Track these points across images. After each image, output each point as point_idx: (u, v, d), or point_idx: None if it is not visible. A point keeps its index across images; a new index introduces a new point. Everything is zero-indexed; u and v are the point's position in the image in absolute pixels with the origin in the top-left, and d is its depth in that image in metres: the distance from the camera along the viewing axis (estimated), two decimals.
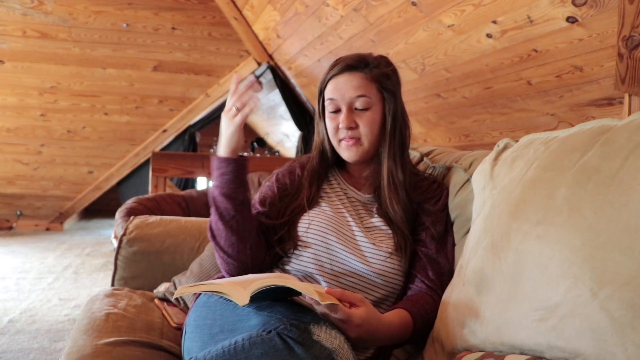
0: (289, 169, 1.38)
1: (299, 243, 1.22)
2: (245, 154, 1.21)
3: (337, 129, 1.26)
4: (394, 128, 1.27)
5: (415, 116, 3.27)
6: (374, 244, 1.20)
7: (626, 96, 1.35)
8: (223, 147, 1.18)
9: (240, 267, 1.19)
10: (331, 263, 1.18)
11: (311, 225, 1.22)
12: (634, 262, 0.73)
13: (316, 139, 1.37)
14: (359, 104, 1.23)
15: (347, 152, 1.27)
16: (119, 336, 1.21)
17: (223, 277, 1.25)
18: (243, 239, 1.18)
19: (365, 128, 1.24)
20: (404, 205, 1.24)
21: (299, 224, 1.24)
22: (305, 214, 1.26)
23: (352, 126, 1.24)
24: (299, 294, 0.93)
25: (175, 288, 1.55)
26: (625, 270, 0.73)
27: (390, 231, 1.23)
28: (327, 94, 1.27)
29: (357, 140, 1.25)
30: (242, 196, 1.18)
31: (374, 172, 1.32)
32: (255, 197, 1.34)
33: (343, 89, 1.24)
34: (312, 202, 1.29)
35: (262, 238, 1.24)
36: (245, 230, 1.18)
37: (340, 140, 1.27)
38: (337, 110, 1.26)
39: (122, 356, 1.13)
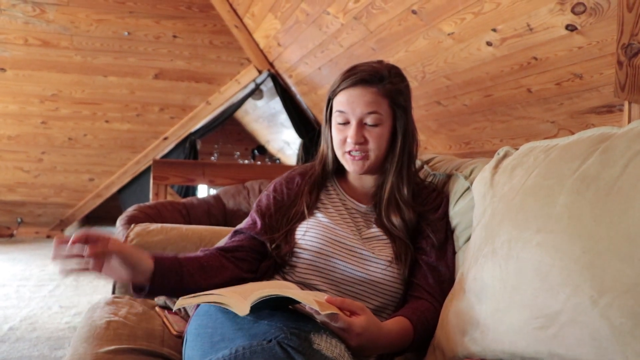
0: (287, 178, 1.38)
1: (296, 251, 1.22)
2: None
3: (344, 141, 1.25)
4: (403, 144, 1.27)
5: (415, 124, 3.27)
6: (372, 253, 1.20)
7: (626, 104, 1.35)
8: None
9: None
10: (329, 272, 1.18)
11: (307, 234, 1.22)
12: (634, 270, 0.73)
13: (322, 146, 1.36)
14: (369, 120, 1.22)
15: (352, 166, 1.26)
16: (119, 344, 1.21)
17: None
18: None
19: (374, 144, 1.23)
20: (404, 217, 1.24)
21: (297, 232, 1.25)
22: (304, 222, 1.26)
23: (361, 142, 1.23)
24: (299, 302, 0.93)
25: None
26: (626, 277, 0.73)
27: (389, 240, 1.23)
28: (337, 105, 1.25)
29: (364, 155, 1.24)
30: (191, 285, 1.12)
31: (376, 184, 1.33)
32: (253, 207, 1.34)
33: (354, 103, 1.22)
34: (311, 211, 1.29)
35: (244, 263, 1.23)
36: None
37: (345, 153, 1.26)
38: (345, 123, 1.25)
39: None
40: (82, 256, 1.00)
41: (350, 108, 1.23)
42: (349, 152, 1.25)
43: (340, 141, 1.26)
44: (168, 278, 1.10)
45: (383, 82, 1.23)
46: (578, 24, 1.74)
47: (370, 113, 1.22)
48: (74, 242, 0.99)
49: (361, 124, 1.23)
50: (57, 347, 2.46)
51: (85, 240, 1.00)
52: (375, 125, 1.23)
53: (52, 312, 3.01)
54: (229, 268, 1.19)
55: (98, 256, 1.00)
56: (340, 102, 1.25)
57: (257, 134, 7.82)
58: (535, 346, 0.82)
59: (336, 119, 1.26)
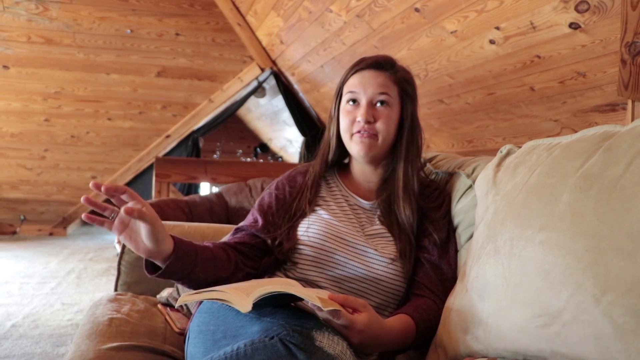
0: (289, 177, 1.38)
1: (298, 248, 1.22)
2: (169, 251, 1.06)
3: (352, 122, 1.26)
4: (411, 134, 1.28)
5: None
6: (375, 250, 1.20)
7: (629, 102, 1.35)
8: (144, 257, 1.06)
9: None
10: (332, 269, 1.18)
11: (309, 230, 1.22)
12: (637, 268, 0.72)
13: (325, 137, 1.36)
14: (379, 102, 1.24)
15: (359, 146, 1.25)
16: (122, 341, 1.21)
17: None
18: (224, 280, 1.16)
19: (383, 125, 1.24)
20: (414, 209, 1.25)
21: (298, 229, 1.25)
22: (305, 219, 1.26)
23: (370, 120, 1.23)
24: (302, 299, 0.93)
25: (178, 293, 1.55)
26: (629, 276, 0.73)
27: (392, 238, 1.23)
28: (349, 87, 1.27)
29: (372, 135, 1.24)
30: (201, 274, 1.11)
31: (380, 179, 1.33)
32: (255, 206, 1.34)
33: (367, 84, 1.25)
34: (312, 207, 1.29)
35: (248, 260, 1.23)
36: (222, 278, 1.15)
37: (353, 134, 1.26)
38: (355, 104, 1.26)
39: None
40: (112, 207, 1.01)
41: (362, 88, 1.25)
42: (358, 133, 1.25)
43: (349, 122, 1.26)
44: (183, 263, 1.08)
45: (394, 68, 1.27)
46: (581, 22, 1.74)
47: (381, 94, 1.24)
48: (111, 190, 0.97)
49: (372, 105, 1.25)
50: (59, 344, 2.46)
51: (123, 192, 0.99)
52: (385, 108, 1.24)
53: (54, 310, 3.02)
54: (234, 261, 1.19)
55: (135, 213, 0.95)
56: (352, 84, 1.27)
57: (260, 131, 7.82)
58: (538, 344, 0.82)
59: (346, 100, 1.28)
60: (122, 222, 1.00)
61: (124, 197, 0.99)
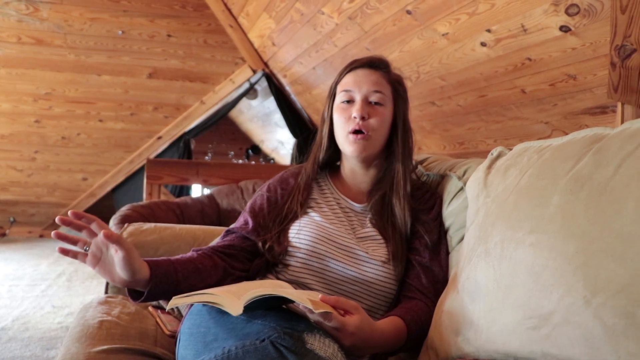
0: (280, 179, 1.38)
1: (289, 250, 1.21)
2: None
3: (347, 119, 1.26)
4: (404, 133, 1.29)
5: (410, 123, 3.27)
6: (367, 252, 1.20)
7: (619, 105, 1.36)
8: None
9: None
10: (322, 271, 1.18)
11: (300, 233, 1.22)
12: (627, 270, 0.73)
13: (317, 139, 1.36)
14: (374, 99, 1.25)
15: (353, 146, 1.25)
16: (112, 344, 1.20)
17: None
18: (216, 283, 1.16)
19: (376, 123, 1.24)
20: (405, 209, 1.25)
21: (290, 232, 1.24)
22: (297, 221, 1.26)
23: (365, 116, 1.24)
24: (293, 302, 0.92)
25: None
26: (619, 278, 0.73)
27: (383, 240, 1.23)
28: (343, 86, 1.28)
29: (366, 134, 1.24)
30: (186, 290, 1.10)
31: (372, 182, 1.33)
32: (246, 208, 1.34)
33: (361, 82, 1.26)
34: (304, 209, 1.28)
35: (236, 262, 1.22)
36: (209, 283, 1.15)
37: (348, 133, 1.26)
38: (350, 102, 1.27)
39: None
40: (84, 240, 1.01)
41: (357, 86, 1.26)
42: (352, 132, 1.25)
43: (344, 120, 1.26)
44: (165, 284, 1.08)
45: (387, 68, 1.29)
46: (572, 25, 1.75)
47: (375, 92, 1.25)
48: (79, 216, 0.98)
49: (366, 101, 1.25)
50: (49, 347, 2.45)
51: (91, 220, 1.00)
52: (379, 105, 1.25)
53: (44, 312, 3.00)
54: (222, 267, 1.18)
55: (113, 239, 0.96)
56: (347, 82, 1.28)
57: (252, 133, 7.81)
58: (529, 346, 0.82)
59: (341, 99, 1.28)
60: (95, 254, 1.01)
61: (93, 226, 1.00)
